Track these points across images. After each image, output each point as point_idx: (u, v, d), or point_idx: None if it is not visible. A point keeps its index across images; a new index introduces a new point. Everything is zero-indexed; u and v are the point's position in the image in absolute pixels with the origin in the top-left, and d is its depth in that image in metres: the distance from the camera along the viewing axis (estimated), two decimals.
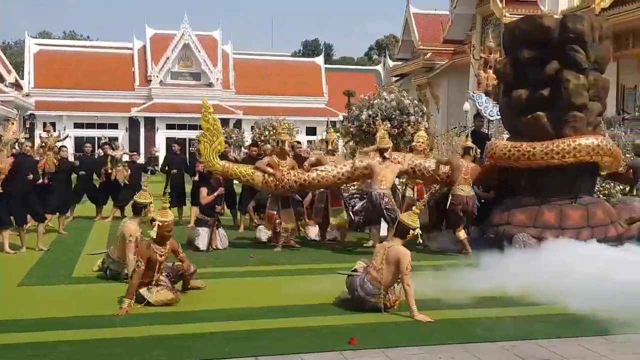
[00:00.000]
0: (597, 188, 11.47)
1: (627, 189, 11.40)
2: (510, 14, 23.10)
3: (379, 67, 55.14)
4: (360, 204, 9.86)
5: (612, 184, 12.36)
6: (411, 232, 6.32)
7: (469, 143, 10.25)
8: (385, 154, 9.96)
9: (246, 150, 16.52)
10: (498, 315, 6.14)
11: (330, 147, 11.24)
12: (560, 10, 22.86)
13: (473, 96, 19.02)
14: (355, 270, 6.41)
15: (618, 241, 9.23)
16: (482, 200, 10.51)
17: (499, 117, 12.77)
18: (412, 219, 6.39)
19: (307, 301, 6.59)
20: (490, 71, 18.67)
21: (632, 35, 22.06)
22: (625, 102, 24.46)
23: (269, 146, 13.40)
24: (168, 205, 6.81)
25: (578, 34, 9.56)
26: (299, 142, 14.49)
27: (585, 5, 22.85)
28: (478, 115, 13.32)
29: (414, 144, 11.12)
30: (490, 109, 15.41)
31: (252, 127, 26.40)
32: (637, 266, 7.48)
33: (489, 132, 14.69)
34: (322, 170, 10.19)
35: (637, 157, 11.16)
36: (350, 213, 9.90)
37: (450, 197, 9.94)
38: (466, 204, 9.81)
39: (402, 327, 5.74)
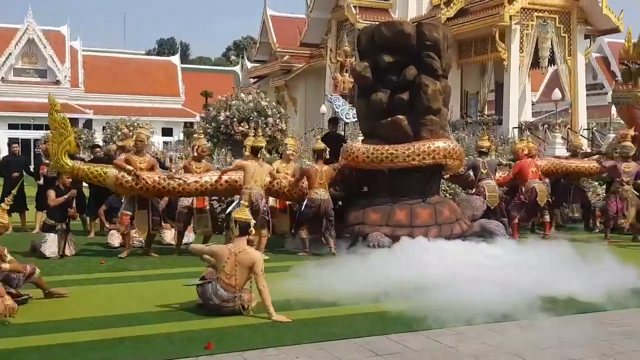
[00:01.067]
0: (444, 187, 12.15)
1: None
2: (364, 20, 23.91)
3: (237, 69, 54.98)
4: (235, 203, 9.67)
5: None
6: (250, 225, 6.28)
7: (321, 145, 10.40)
8: (259, 153, 9.85)
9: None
10: (350, 313, 6.26)
11: (195, 154, 10.42)
12: (410, 19, 23.96)
13: (330, 98, 19.43)
14: (203, 278, 6.27)
15: (462, 237, 9.80)
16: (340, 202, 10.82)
17: (355, 119, 13.14)
18: (245, 213, 6.36)
19: (161, 307, 6.39)
20: (347, 74, 19.20)
21: (474, 43, 23.61)
22: (468, 106, 26.16)
23: (114, 146, 12.78)
24: (8, 208, 6.36)
25: (434, 41, 10.01)
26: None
27: (432, 14, 24.15)
28: (333, 120, 13.59)
29: (288, 152, 11.07)
30: (347, 112, 15.82)
31: (104, 128, 25.35)
32: (482, 263, 7.95)
33: (345, 135, 15.07)
34: (184, 180, 9.67)
35: (476, 158, 11.90)
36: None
37: (305, 200, 10.03)
38: (319, 207, 9.94)
39: (259, 329, 5.71)
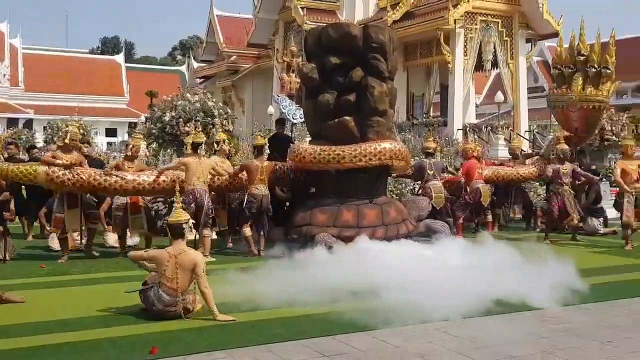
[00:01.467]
0: (390, 188, 12.26)
1: (417, 188, 12.32)
2: (311, 21, 23.94)
3: (183, 68, 54.31)
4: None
5: (403, 184, 13.31)
6: (185, 226, 6.16)
7: (261, 141, 10.38)
8: (199, 149, 9.74)
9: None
10: (295, 315, 6.23)
11: (129, 153, 10.10)
12: (357, 21, 24.10)
13: (277, 99, 19.33)
14: (145, 283, 6.16)
15: (409, 237, 9.92)
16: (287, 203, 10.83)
17: (302, 120, 13.16)
18: (179, 215, 6.23)
19: (104, 311, 6.25)
20: (294, 75, 19.16)
21: (420, 46, 23.93)
22: (414, 108, 26.50)
23: (54, 146, 12.41)
24: None
25: (380, 44, 10.12)
26: (88, 144, 13.35)
27: (378, 17, 24.36)
28: (280, 120, 13.56)
29: (225, 147, 11.00)
30: (294, 112, 15.80)
31: (45, 128, 24.66)
32: (422, 263, 8.05)
33: (293, 135, 15.06)
34: (122, 177, 9.47)
35: (422, 159, 12.06)
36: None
37: (246, 196, 10.00)
38: (261, 202, 9.92)
39: (205, 332, 5.64)
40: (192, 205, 9.12)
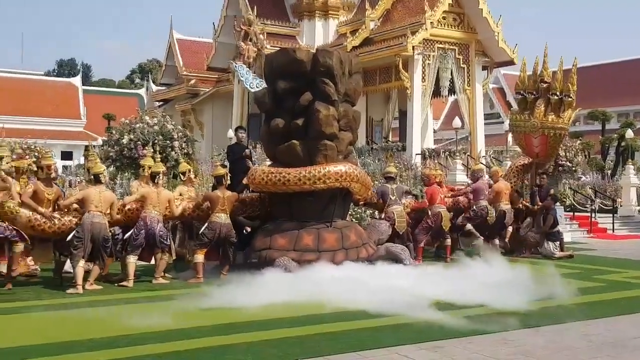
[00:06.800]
0: (350, 212, 12.27)
1: (377, 212, 12.38)
2: (271, 46, 24.00)
3: (142, 91, 53.84)
4: (130, 232, 9.47)
5: (362, 208, 13.36)
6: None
7: (221, 171, 10.36)
8: (157, 178, 9.76)
9: None
10: (231, 342, 6.08)
11: (44, 175, 9.50)
12: (317, 46, 24.26)
13: (235, 66, 18.93)
14: None
15: (369, 261, 9.94)
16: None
17: (260, 88, 13.02)
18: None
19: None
20: (251, 43, 18.80)
21: (379, 71, 24.21)
22: (373, 133, 26.71)
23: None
24: None
25: (327, 67, 10.20)
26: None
27: (338, 42, 24.60)
28: (240, 128, 13.31)
29: (191, 176, 11.05)
30: (251, 81, 15.42)
31: None
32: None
33: (255, 156, 14.88)
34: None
35: (384, 184, 12.13)
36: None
37: (207, 223, 9.98)
38: (220, 230, 9.89)
39: None
40: (142, 231, 9.37)
